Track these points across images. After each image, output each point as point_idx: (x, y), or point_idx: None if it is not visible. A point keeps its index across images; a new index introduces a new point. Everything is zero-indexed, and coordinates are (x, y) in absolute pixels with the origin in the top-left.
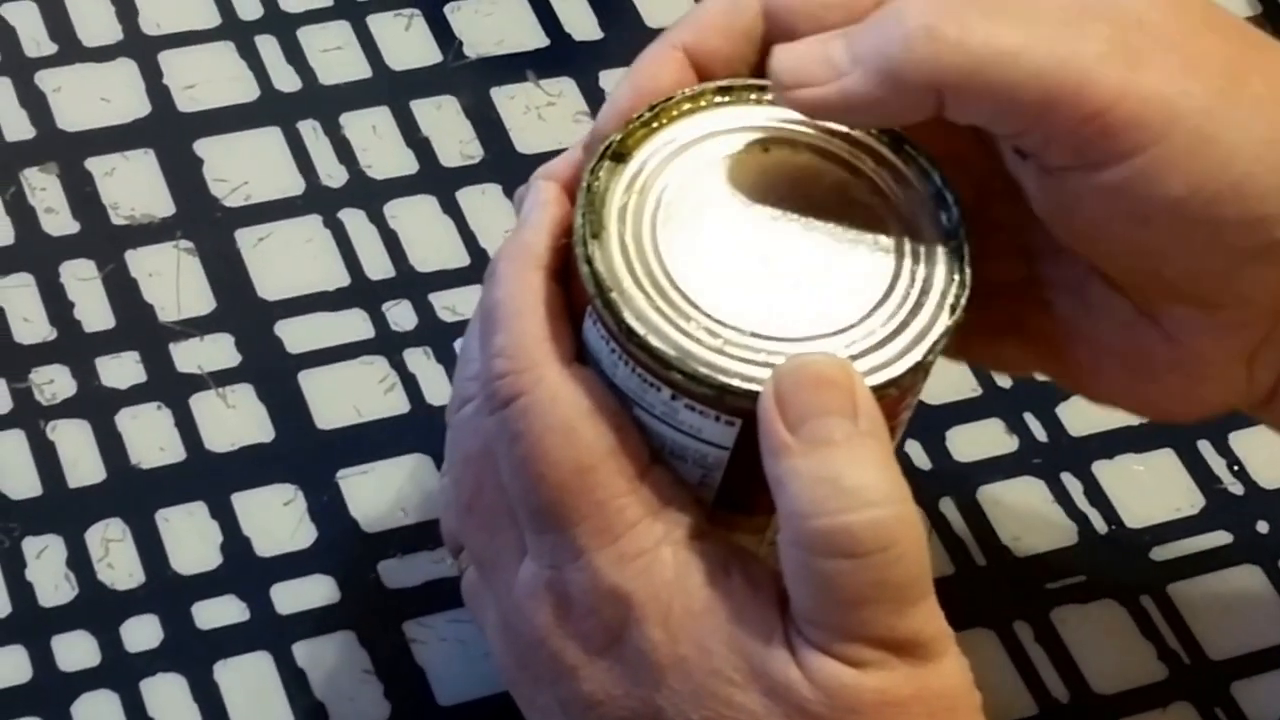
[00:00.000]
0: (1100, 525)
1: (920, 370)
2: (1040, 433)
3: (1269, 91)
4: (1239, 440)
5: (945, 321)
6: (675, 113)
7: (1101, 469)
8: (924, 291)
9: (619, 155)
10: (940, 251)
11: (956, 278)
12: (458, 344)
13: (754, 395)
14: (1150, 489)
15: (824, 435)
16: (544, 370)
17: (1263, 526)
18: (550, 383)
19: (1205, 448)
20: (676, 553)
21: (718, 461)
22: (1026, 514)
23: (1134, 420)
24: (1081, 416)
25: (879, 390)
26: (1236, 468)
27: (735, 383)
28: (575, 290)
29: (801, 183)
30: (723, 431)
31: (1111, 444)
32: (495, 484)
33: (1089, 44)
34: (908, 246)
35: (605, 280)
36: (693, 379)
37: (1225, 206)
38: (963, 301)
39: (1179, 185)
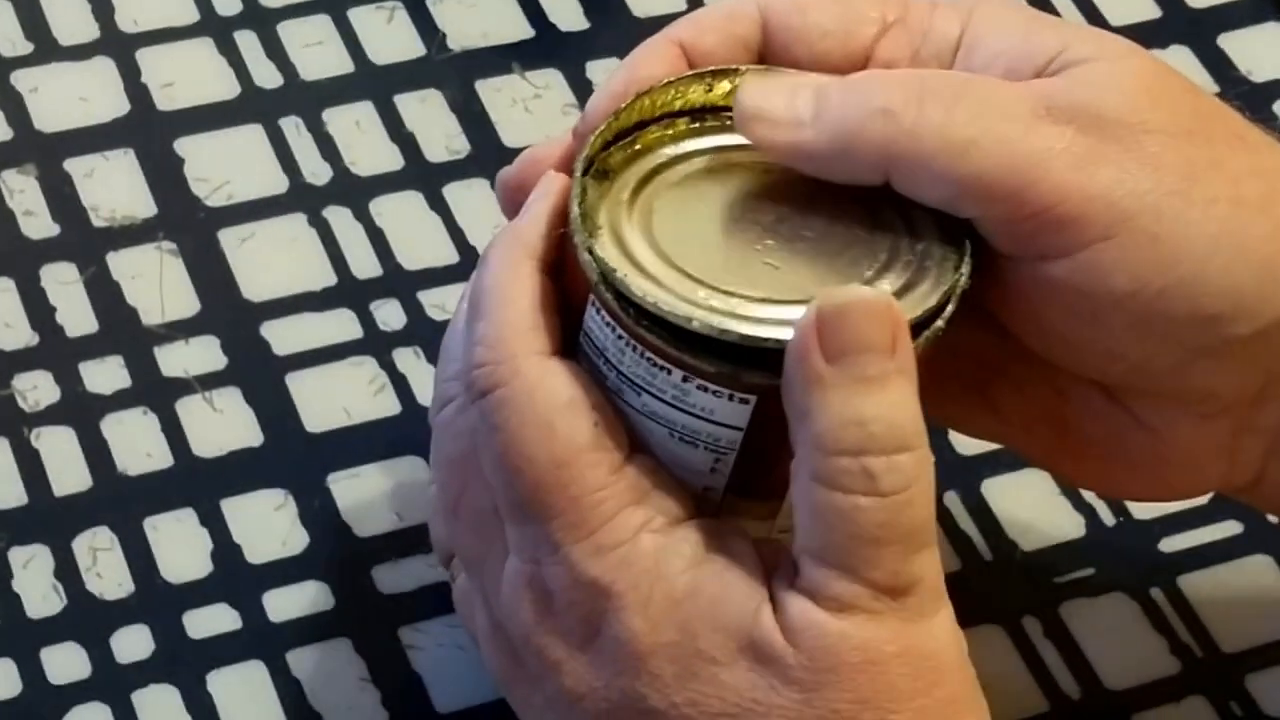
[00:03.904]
0: (1108, 517)
1: (933, 335)
2: None
3: (1227, 192)
4: None
5: (951, 279)
6: (652, 137)
7: None
8: (926, 257)
9: (602, 172)
10: (936, 225)
11: (955, 247)
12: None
13: (772, 357)
14: None
15: (860, 371)
16: (521, 362)
17: (1273, 516)
18: (527, 375)
19: None
20: (656, 540)
21: (730, 444)
22: (1033, 507)
23: None
24: None
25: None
26: None
27: (759, 332)
28: (573, 282)
29: (792, 181)
30: (736, 411)
31: None
32: (480, 484)
33: (1041, 143)
34: (902, 226)
35: (608, 260)
36: (706, 352)
37: (1173, 303)
38: (966, 261)
39: (1123, 281)
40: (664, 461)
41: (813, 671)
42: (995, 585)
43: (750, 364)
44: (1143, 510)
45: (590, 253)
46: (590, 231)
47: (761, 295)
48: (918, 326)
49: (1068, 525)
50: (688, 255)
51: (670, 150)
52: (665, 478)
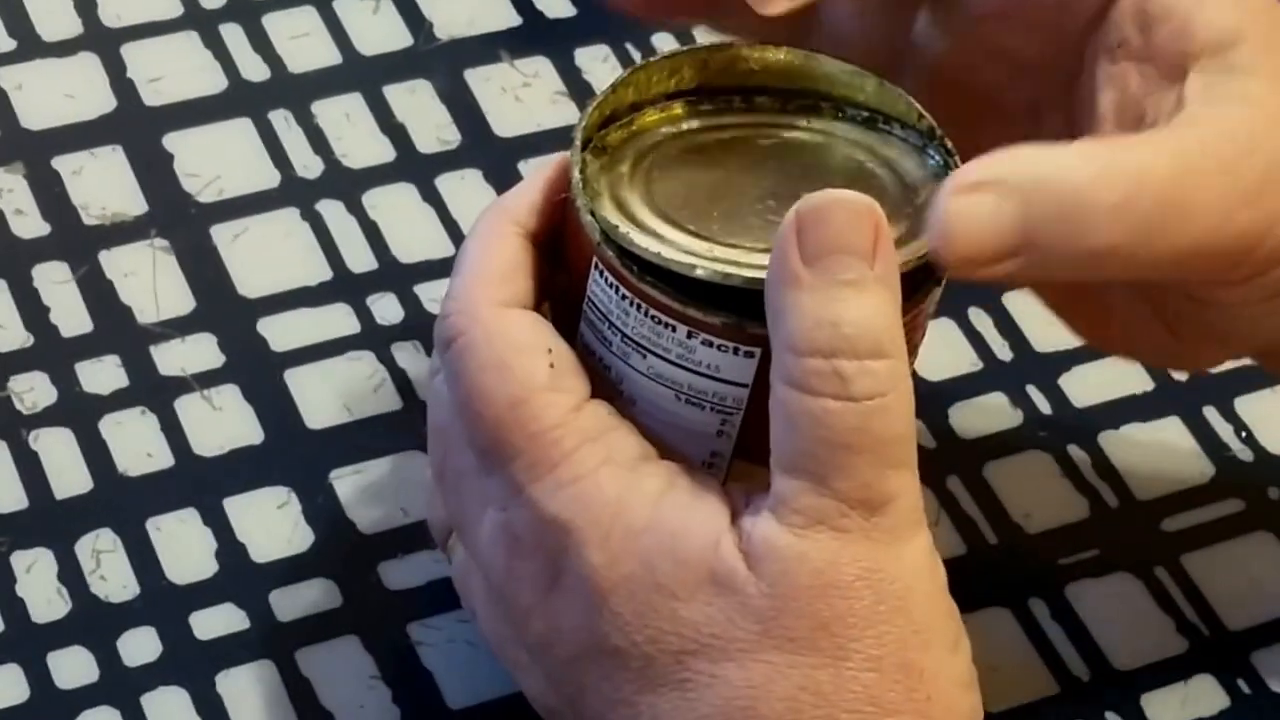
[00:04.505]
0: (1110, 498)
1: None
2: (1044, 405)
3: None
4: (1245, 406)
5: None
6: (649, 120)
7: (1108, 439)
8: (924, 210)
9: (601, 149)
10: (935, 183)
11: None
12: None
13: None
14: (1158, 458)
15: (837, 273)
16: (481, 310)
17: (1274, 493)
18: (485, 321)
19: (1212, 414)
20: (616, 474)
21: (737, 402)
22: (1035, 489)
23: (1138, 389)
24: (1084, 387)
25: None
26: (1244, 434)
27: (763, 276)
28: (575, 253)
29: (792, 147)
30: (741, 366)
31: (1116, 414)
32: (459, 446)
33: (1240, 220)
34: (901, 185)
35: (611, 219)
36: (710, 304)
37: None
38: None
39: (1274, 289)
40: (670, 426)
41: (771, 598)
42: (1001, 568)
43: (754, 314)
44: (1145, 491)
45: (592, 214)
46: (591, 196)
47: (764, 246)
48: (919, 273)
49: (1071, 507)
50: (689, 215)
51: (668, 129)
52: (627, 418)
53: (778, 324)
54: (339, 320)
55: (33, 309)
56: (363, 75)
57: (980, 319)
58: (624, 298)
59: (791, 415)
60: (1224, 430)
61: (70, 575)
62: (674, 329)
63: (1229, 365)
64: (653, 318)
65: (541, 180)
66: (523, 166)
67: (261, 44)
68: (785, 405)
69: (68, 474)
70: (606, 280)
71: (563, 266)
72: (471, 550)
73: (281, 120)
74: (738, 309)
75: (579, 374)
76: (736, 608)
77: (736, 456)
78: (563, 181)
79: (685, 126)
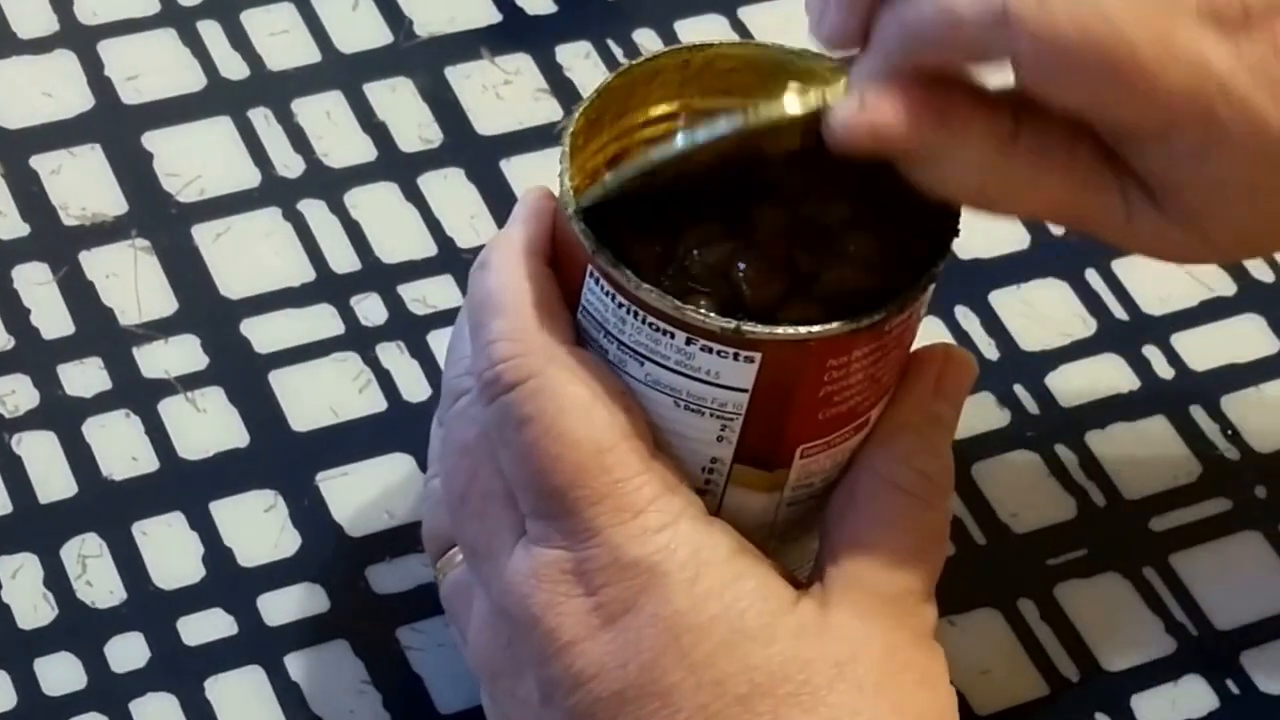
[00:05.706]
0: (1098, 497)
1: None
2: (1031, 405)
3: None
4: (1231, 405)
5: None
6: (636, 139)
7: (1095, 439)
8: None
9: (588, 159)
10: None
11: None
12: (431, 336)
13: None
14: (1145, 457)
15: (946, 416)
16: (554, 351)
17: (1261, 491)
18: (563, 363)
19: (1198, 413)
20: (697, 526)
21: (736, 409)
22: (1023, 489)
23: (1124, 388)
24: (1071, 386)
25: None
26: (1230, 432)
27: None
28: (566, 267)
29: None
30: (741, 371)
31: (1103, 413)
32: (490, 471)
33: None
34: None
35: (605, 227)
36: (707, 309)
37: None
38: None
39: None
40: (670, 434)
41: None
42: (989, 569)
43: (753, 318)
44: (1132, 490)
45: (584, 223)
46: (583, 197)
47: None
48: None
49: (1059, 507)
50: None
51: (655, 146)
52: (685, 476)
53: (893, 425)
54: (323, 321)
55: (13, 311)
56: (343, 73)
57: (967, 318)
58: (620, 305)
59: (882, 506)
60: (1210, 429)
61: (56, 581)
62: (672, 335)
63: (1214, 365)
64: (650, 325)
65: (532, 210)
66: (505, 165)
67: (240, 41)
68: (877, 498)
69: (52, 478)
70: (602, 288)
71: (556, 276)
72: (486, 575)
73: (261, 119)
74: (736, 312)
75: (646, 422)
76: (808, 657)
77: (737, 462)
78: (549, 200)
79: (675, 142)
